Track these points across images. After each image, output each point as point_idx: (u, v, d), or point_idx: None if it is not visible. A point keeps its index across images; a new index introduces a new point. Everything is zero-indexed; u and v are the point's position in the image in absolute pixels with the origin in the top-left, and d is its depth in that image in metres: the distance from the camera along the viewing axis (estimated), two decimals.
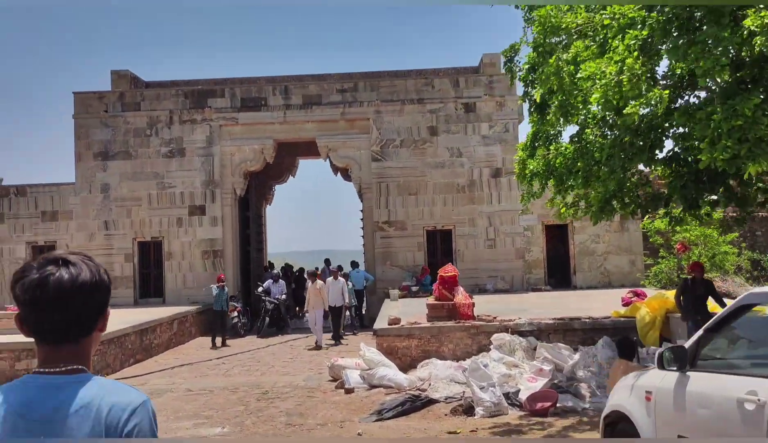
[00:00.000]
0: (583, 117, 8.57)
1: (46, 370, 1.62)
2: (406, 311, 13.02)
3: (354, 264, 18.64)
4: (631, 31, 5.75)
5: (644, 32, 5.74)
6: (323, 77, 20.86)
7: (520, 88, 11.45)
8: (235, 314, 17.42)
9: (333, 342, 15.32)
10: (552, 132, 9.55)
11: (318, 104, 19.38)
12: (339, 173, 22.23)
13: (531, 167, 9.55)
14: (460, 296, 11.84)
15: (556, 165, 9.16)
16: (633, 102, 5.57)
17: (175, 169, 19.36)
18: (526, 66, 8.87)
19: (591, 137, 8.82)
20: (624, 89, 5.47)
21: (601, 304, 13.29)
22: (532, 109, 8.87)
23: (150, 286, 19.55)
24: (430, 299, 12.45)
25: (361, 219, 20.22)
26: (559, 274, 19.26)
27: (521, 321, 11.20)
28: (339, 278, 15.88)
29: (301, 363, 13.04)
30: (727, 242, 16.47)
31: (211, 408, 9.27)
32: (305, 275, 18.79)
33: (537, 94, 7.08)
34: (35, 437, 1.53)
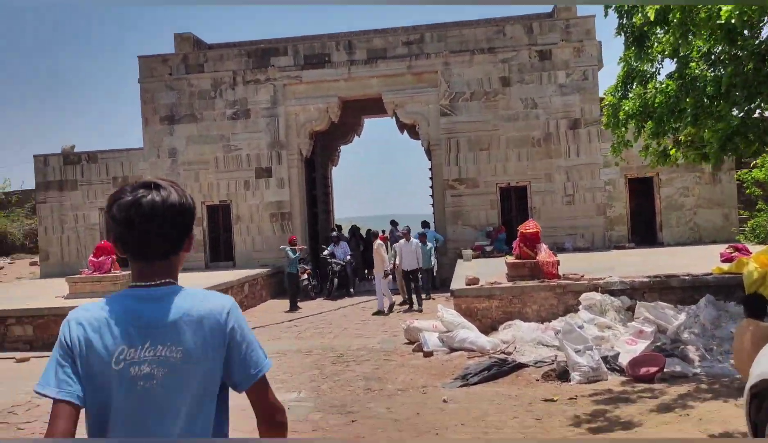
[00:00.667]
0: (686, 52, 7.56)
1: (143, 284, 1.77)
2: (482, 271, 12.29)
3: (424, 224, 17.97)
4: None
5: None
6: (388, 31, 19.98)
7: (610, 22, 10.37)
8: (305, 276, 17.14)
9: (406, 306, 14.65)
10: (650, 69, 8.56)
11: (383, 58, 18.59)
12: (405, 131, 21.47)
13: (626, 109, 8.61)
14: (543, 253, 11.01)
15: (656, 105, 8.18)
16: None
17: (240, 131, 19.06)
18: None
19: (697, 71, 7.80)
20: None
21: (694, 261, 12.22)
22: (630, 42, 7.87)
23: (220, 250, 19.49)
24: (510, 258, 11.70)
25: (430, 178, 19.46)
26: (644, 230, 18.06)
27: (612, 279, 10.30)
28: (412, 239, 15.09)
29: (374, 326, 12.58)
30: None
31: (285, 371, 8.90)
32: (372, 237, 18.32)
33: (651, 12, 6.10)
34: (145, 340, 1.70)
